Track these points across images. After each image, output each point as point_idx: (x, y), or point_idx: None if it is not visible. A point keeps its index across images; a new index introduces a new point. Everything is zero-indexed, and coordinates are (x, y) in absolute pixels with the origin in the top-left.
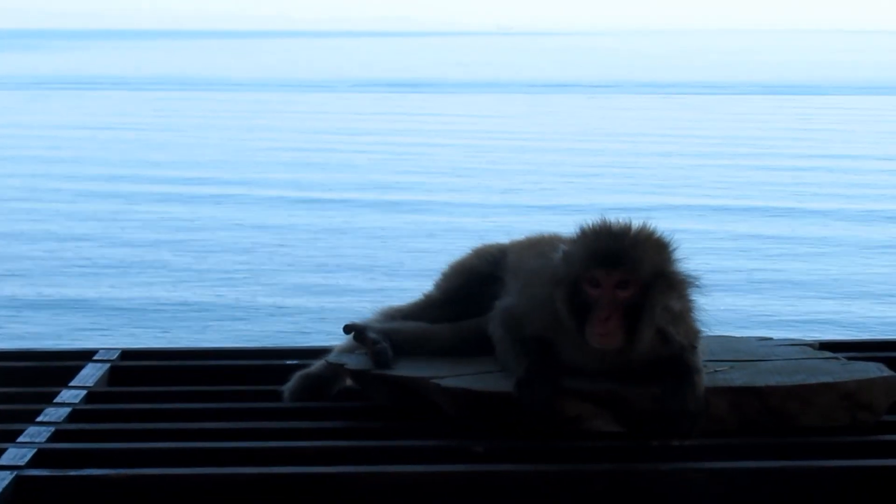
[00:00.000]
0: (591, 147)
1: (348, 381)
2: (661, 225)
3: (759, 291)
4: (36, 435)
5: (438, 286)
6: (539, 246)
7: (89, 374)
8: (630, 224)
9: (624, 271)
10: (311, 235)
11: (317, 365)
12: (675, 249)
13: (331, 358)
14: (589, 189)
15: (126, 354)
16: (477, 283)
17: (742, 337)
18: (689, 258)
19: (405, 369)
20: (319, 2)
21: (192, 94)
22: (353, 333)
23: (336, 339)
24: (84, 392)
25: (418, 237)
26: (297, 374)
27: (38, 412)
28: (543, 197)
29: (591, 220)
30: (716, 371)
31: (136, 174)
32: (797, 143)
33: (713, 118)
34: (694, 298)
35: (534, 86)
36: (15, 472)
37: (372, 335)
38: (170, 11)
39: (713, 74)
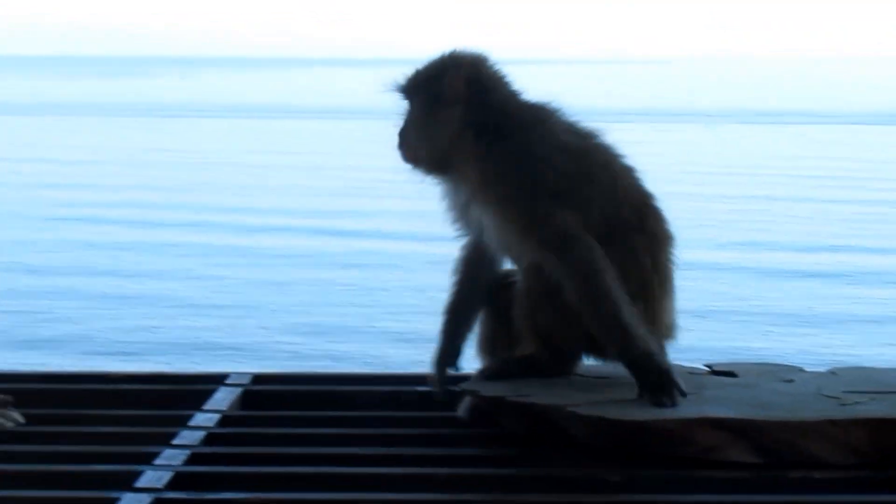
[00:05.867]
0: None
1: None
2: None
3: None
4: (172, 458)
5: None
6: None
7: (222, 398)
8: None
9: None
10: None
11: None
12: None
13: (466, 385)
14: None
15: (258, 379)
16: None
17: (882, 369)
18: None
19: (538, 396)
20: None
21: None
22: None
23: None
24: (218, 415)
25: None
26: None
27: (173, 435)
28: None
29: None
30: (856, 403)
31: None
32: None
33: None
34: None
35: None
36: (154, 495)
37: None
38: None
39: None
